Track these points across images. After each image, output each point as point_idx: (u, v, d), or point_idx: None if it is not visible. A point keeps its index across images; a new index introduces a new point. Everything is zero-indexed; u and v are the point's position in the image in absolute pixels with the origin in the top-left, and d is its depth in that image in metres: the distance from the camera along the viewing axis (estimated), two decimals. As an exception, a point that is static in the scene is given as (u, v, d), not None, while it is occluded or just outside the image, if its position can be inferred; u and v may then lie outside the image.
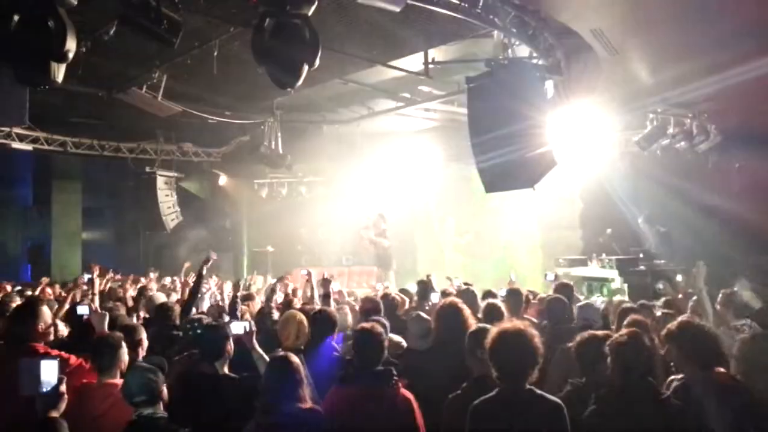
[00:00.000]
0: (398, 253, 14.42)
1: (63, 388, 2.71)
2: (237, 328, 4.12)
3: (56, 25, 4.31)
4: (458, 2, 6.15)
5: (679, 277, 7.09)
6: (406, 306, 6.52)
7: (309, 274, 7.16)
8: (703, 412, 3.05)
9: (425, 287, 6.73)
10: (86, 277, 7.89)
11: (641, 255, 8.87)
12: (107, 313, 4.56)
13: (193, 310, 5.81)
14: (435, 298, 6.04)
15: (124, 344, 3.73)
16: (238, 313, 5.56)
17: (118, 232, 17.64)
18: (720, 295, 5.49)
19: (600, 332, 3.68)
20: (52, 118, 11.26)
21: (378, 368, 3.53)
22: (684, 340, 3.40)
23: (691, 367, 3.34)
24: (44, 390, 2.66)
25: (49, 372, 2.70)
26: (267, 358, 3.96)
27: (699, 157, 8.98)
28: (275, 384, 3.26)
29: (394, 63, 8.40)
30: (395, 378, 3.51)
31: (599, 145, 10.68)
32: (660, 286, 6.65)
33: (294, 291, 7.84)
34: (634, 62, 7.25)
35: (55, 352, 4.01)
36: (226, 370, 3.91)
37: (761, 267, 6.60)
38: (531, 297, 6.77)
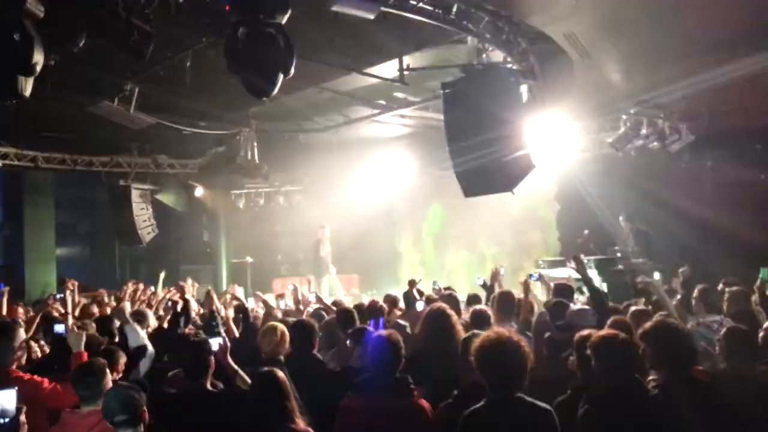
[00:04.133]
0: (380, 260, 14.43)
1: (22, 418, 2.63)
2: (213, 343, 4.07)
3: (22, 38, 4.22)
4: (432, 9, 6.16)
5: (656, 275, 7.17)
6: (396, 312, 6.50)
7: (296, 288, 7.21)
8: (681, 411, 3.08)
9: (411, 294, 6.72)
10: (58, 295, 7.74)
11: (619, 255, 8.96)
12: (84, 333, 4.45)
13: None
14: (420, 306, 5.99)
15: (108, 371, 3.59)
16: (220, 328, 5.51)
17: (93, 247, 17.33)
18: (695, 292, 5.55)
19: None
20: (22, 133, 11.03)
21: (395, 376, 3.45)
22: (657, 341, 3.41)
23: (666, 367, 3.37)
24: (2, 421, 2.58)
25: (7, 402, 2.62)
26: (243, 374, 3.94)
27: (672, 157, 9.12)
28: (263, 402, 3.19)
29: (369, 70, 8.39)
30: (412, 387, 3.42)
31: (574, 147, 10.81)
32: (639, 278, 6.69)
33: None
34: (607, 65, 7.34)
35: (27, 376, 3.93)
36: (209, 385, 3.85)
37: (733, 268, 6.71)
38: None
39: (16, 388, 2.72)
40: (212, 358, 3.90)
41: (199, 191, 14.59)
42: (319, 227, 13.91)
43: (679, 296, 6.04)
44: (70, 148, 12.26)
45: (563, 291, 6.09)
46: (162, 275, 9.71)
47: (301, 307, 7.10)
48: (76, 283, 6.42)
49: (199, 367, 3.83)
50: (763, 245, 7.30)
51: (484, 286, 7.00)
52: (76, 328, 4.66)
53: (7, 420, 2.59)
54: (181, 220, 15.76)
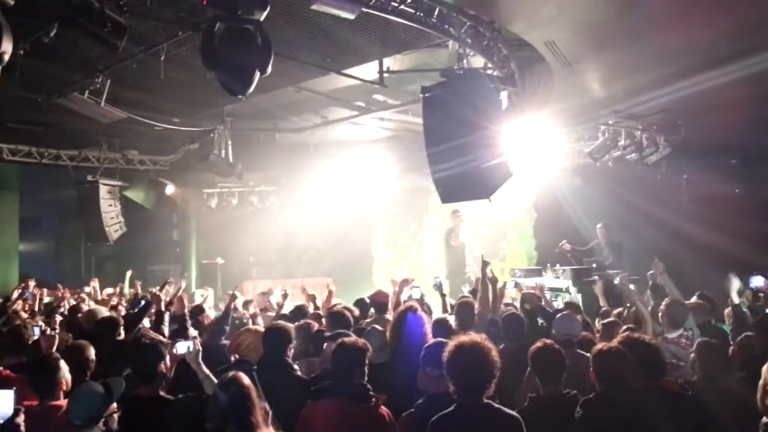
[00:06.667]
0: (354, 264, 14.27)
1: (20, 419, 2.58)
2: (181, 347, 3.91)
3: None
4: (414, 11, 6.11)
5: (631, 287, 7.17)
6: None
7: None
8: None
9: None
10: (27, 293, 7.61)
11: (594, 265, 8.99)
12: (56, 335, 4.45)
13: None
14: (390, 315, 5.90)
15: (63, 365, 3.59)
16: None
17: (58, 244, 16.90)
18: (662, 306, 5.54)
19: None
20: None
21: (355, 383, 3.45)
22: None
23: (638, 378, 3.42)
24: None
25: (4, 403, 2.60)
26: (214, 379, 3.78)
27: (649, 168, 9.21)
28: (226, 410, 3.05)
29: (348, 71, 8.28)
30: (372, 394, 3.41)
31: (552, 156, 10.85)
32: (617, 281, 6.69)
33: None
34: (587, 75, 7.36)
35: (6, 372, 3.85)
36: (162, 392, 3.73)
37: (708, 279, 6.76)
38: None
39: (14, 389, 2.71)
40: (164, 363, 3.77)
41: (169, 189, 14.25)
42: (454, 214, 10.83)
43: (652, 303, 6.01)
44: (38, 141, 11.87)
45: (530, 300, 6.14)
46: (129, 274, 9.50)
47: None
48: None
49: (147, 372, 3.71)
50: (738, 257, 7.37)
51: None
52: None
53: (4, 421, 2.57)
54: (151, 218, 15.40)
